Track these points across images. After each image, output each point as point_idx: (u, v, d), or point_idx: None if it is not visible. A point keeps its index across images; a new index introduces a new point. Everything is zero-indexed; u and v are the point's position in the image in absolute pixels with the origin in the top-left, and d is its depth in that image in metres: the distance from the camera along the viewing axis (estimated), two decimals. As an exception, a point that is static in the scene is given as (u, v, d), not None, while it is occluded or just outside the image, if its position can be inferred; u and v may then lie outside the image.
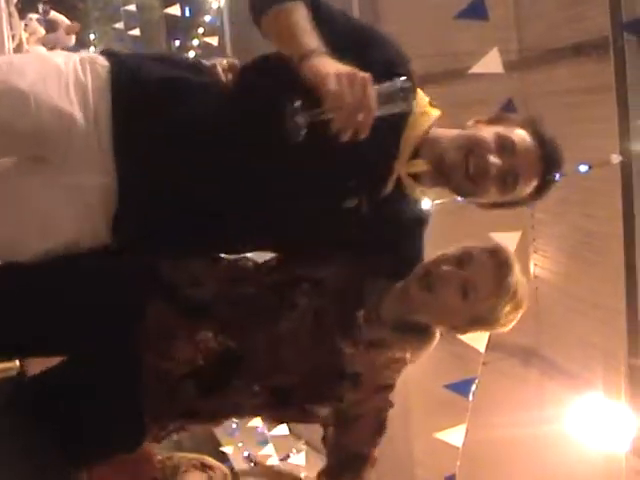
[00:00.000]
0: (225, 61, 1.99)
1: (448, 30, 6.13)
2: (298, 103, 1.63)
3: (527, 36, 5.88)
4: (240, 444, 8.26)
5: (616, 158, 4.32)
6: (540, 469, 5.95)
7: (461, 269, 1.87)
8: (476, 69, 4.49)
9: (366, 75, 1.61)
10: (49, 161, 1.85)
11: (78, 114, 1.82)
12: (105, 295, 1.88)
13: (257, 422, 7.78)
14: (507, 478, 6.71)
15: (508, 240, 4.31)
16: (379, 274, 1.97)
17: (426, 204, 2.11)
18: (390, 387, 1.99)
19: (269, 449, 7.70)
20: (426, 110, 1.96)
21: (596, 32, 4.99)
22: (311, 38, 1.73)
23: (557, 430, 5.18)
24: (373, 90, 1.61)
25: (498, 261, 1.89)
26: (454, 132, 1.96)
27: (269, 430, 7.61)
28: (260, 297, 1.92)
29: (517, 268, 1.91)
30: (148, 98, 1.86)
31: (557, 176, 1.99)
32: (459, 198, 2.02)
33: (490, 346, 4.70)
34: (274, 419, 2.07)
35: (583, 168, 4.37)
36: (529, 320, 6.08)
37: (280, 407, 1.95)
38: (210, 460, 3.04)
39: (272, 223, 1.91)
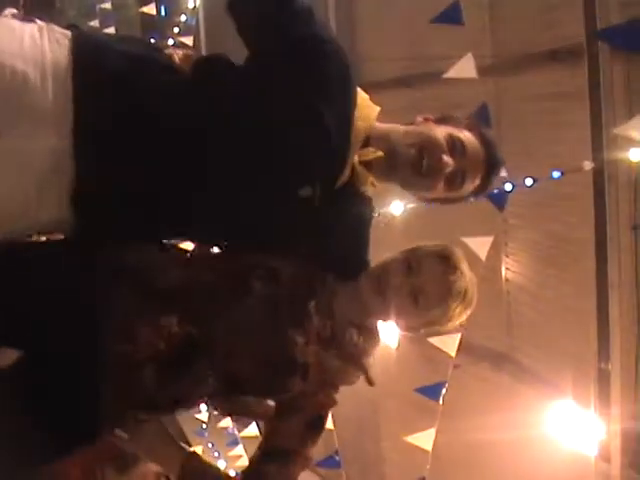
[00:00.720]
0: (181, 52, 2.01)
1: (423, 34, 6.15)
2: None
3: (501, 41, 5.90)
4: (210, 444, 8.23)
5: (588, 165, 4.36)
6: (511, 472, 5.97)
7: (410, 276, 1.94)
8: (451, 74, 4.50)
9: None
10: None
11: (32, 73, 1.75)
12: (66, 279, 1.85)
13: (227, 422, 7.78)
14: (477, 481, 6.74)
15: (480, 244, 4.35)
16: (328, 269, 2.02)
17: (388, 203, 2.21)
18: (335, 386, 2.01)
19: (239, 450, 7.68)
20: (369, 104, 2.04)
21: (571, 38, 5.01)
22: None
23: (528, 434, 5.20)
24: None
25: (446, 265, 1.96)
26: (403, 127, 2.04)
27: (239, 431, 7.59)
28: (218, 284, 1.93)
29: (465, 267, 1.99)
30: (114, 68, 1.83)
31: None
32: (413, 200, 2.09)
33: (461, 350, 4.72)
34: (222, 410, 2.08)
35: (556, 174, 4.41)
36: (500, 324, 6.11)
37: (230, 398, 1.97)
38: None
39: (227, 209, 1.92)
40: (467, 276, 1.98)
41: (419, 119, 2.06)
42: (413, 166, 1.97)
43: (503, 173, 3.75)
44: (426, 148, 1.97)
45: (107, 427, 1.90)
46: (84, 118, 1.78)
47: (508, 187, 4.35)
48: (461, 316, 2.00)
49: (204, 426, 8.14)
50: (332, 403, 2.01)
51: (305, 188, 1.92)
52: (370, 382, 2.01)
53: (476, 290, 2.01)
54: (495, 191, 4.24)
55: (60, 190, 1.81)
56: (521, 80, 5.80)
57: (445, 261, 1.96)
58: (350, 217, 2.04)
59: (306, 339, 1.92)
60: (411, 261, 1.96)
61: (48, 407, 1.80)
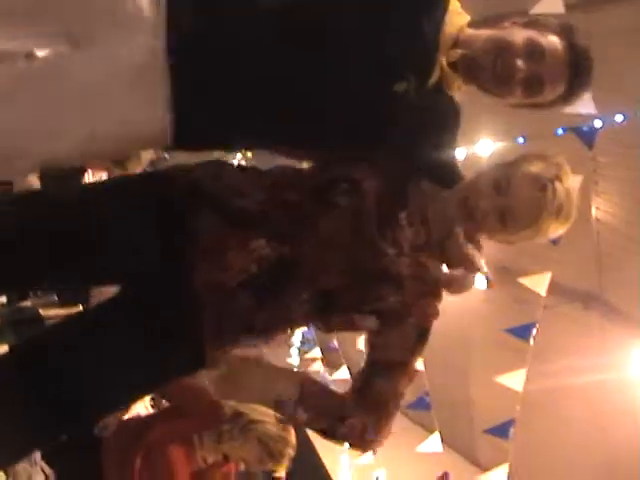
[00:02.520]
0: None
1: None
2: None
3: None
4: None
5: (681, 98, 4.23)
6: (599, 415, 5.94)
7: (499, 195, 1.89)
8: (537, 9, 4.40)
9: None
10: (86, 34, 1.82)
11: None
12: (150, 212, 1.89)
13: (319, 366, 7.88)
14: (564, 424, 6.71)
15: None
16: (421, 174, 2.00)
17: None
18: (438, 295, 1.99)
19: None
20: (460, 11, 2.05)
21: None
22: None
23: (618, 376, 5.15)
24: None
25: (538, 187, 1.88)
26: (486, 33, 2.02)
27: (330, 374, 7.68)
28: (303, 201, 1.93)
29: (561, 181, 1.90)
30: None
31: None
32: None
33: (551, 290, 4.68)
34: (323, 327, 2.04)
35: (647, 109, 4.29)
36: (590, 264, 6.02)
37: (327, 313, 1.96)
38: None
39: (324, 106, 1.94)
40: (561, 192, 1.89)
41: (506, 23, 2.02)
42: (489, 71, 1.97)
43: (592, 109, 3.67)
44: (501, 53, 1.96)
45: (211, 352, 1.91)
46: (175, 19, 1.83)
47: (598, 124, 4.25)
48: (556, 231, 1.95)
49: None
50: (435, 314, 1.99)
51: (400, 83, 1.92)
52: (490, 284, 1.99)
53: (574, 202, 1.93)
54: (584, 128, 4.15)
55: (156, 88, 1.84)
56: (610, 13, 5.63)
57: (538, 182, 1.89)
58: (441, 119, 2.06)
59: (398, 249, 1.92)
60: (502, 181, 1.91)
61: (154, 334, 1.85)
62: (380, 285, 1.93)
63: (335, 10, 1.90)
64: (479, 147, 5.20)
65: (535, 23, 2.02)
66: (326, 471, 7.36)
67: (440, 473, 6.49)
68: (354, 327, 1.99)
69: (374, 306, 1.95)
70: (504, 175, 1.92)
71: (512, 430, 5.29)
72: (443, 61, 2.00)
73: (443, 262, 1.98)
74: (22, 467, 2.72)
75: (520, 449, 5.59)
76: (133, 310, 1.88)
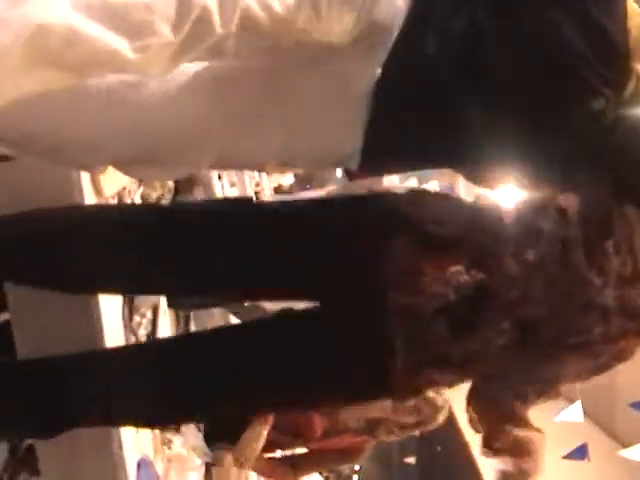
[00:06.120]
0: None
1: None
2: None
3: None
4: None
5: None
6: None
7: None
8: None
9: None
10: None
11: None
12: (346, 232, 1.85)
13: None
14: None
15: None
16: (625, 199, 1.84)
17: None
18: None
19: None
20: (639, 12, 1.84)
21: None
22: None
23: None
24: None
25: None
26: None
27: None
28: (505, 227, 1.84)
29: None
30: None
31: None
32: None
33: None
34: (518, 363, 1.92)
35: None
36: None
37: (527, 347, 1.85)
38: None
39: (515, 130, 1.79)
40: None
41: None
42: None
43: None
44: None
45: (403, 384, 1.84)
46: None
47: None
48: None
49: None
50: (631, 354, 1.88)
51: (598, 100, 1.72)
52: None
53: None
54: None
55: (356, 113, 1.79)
56: None
57: None
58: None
59: (604, 280, 1.80)
60: None
61: (342, 356, 1.82)
62: (585, 316, 1.82)
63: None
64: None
65: None
66: (461, 432, 7.33)
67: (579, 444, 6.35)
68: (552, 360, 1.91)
69: (578, 339, 1.84)
70: None
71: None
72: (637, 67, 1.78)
73: None
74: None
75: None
76: (319, 327, 1.85)
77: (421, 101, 1.77)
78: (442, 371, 1.86)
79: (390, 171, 2.04)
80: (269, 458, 3.26)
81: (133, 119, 1.76)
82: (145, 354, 1.96)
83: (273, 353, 1.83)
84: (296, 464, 3.38)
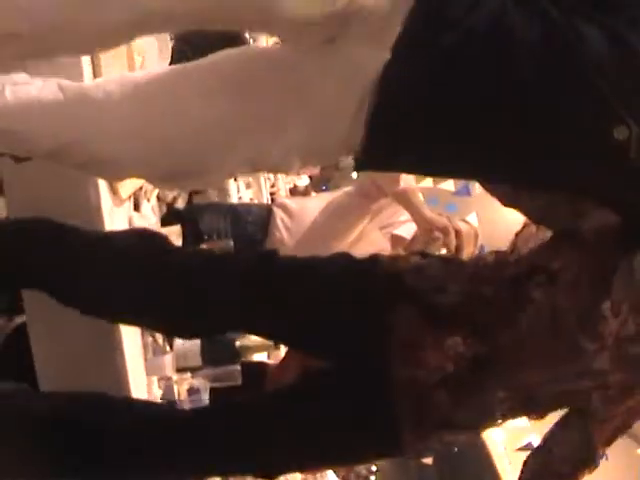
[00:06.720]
0: None
1: None
2: None
3: None
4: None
5: None
6: None
7: None
8: None
9: None
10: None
11: None
12: (348, 304, 1.87)
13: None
14: None
15: None
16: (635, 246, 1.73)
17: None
18: None
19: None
20: None
21: None
22: None
23: None
24: None
25: None
26: None
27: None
28: (498, 296, 1.82)
29: None
30: None
31: None
32: None
33: None
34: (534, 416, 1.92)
35: None
36: None
37: (530, 409, 1.87)
38: None
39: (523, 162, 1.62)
40: None
41: None
42: None
43: None
44: None
45: (408, 447, 1.88)
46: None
47: None
48: None
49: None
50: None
51: (621, 128, 1.49)
52: None
53: None
54: None
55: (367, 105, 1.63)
56: None
57: None
58: None
59: (600, 344, 1.74)
60: None
61: (337, 427, 1.86)
62: (581, 381, 1.79)
63: None
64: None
65: None
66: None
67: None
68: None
69: (577, 403, 1.84)
70: None
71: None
72: None
73: None
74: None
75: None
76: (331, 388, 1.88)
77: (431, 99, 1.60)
78: (451, 432, 1.87)
79: (392, 167, 1.93)
80: None
81: (174, 130, 1.69)
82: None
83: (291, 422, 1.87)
84: None
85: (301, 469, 2.28)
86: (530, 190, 1.79)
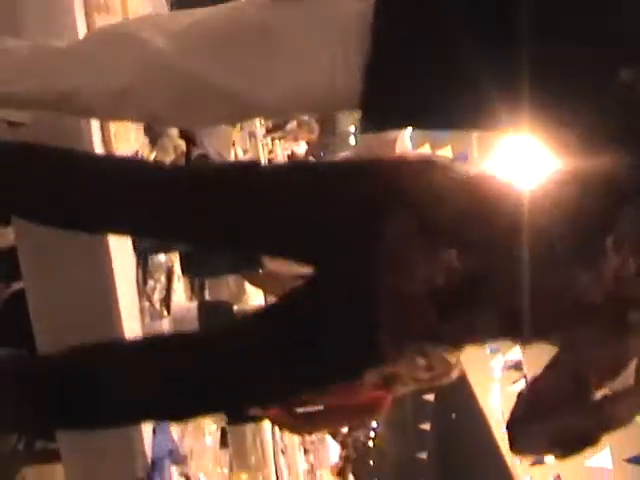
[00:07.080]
0: None
1: None
2: None
3: None
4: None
5: None
6: None
7: None
8: None
9: None
10: None
11: None
12: (342, 210, 1.83)
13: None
14: None
15: None
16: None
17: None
18: None
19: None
20: None
21: None
22: None
23: None
24: None
25: None
26: None
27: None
28: (499, 215, 1.79)
29: None
30: None
31: None
32: None
33: None
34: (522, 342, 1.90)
35: None
36: None
37: (516, 334, 1.83)
38: None
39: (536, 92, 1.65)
40: None
41: None
42: None
43: None
44: None
45: (390, 355, 1.86)
46: None
47: None
48: None
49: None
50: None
51: (627, 70, 1.53)
52: None
53: None
54: None
55: (359, 56, 1.68)
56: None
57: None
58: None
59: (599, 280, 1.70)
60: None
61: (325, 333, 1.81)
62: (570, 314, 1.76)
63: None
64: None
65: None
66: (475, 399, 7.37)
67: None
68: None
69: (564, 335, 1.80)
70: None
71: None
72: None
73: None
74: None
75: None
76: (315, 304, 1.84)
77: (423, 41, 1.66)
78: (433, 344, 1.91)
79: (394, 120, 1.93)
80: (287, 411, 3.32)
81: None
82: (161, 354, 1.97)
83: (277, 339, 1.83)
84: (313, 420, 3.44)
85: (283, 391, 2.10)
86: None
